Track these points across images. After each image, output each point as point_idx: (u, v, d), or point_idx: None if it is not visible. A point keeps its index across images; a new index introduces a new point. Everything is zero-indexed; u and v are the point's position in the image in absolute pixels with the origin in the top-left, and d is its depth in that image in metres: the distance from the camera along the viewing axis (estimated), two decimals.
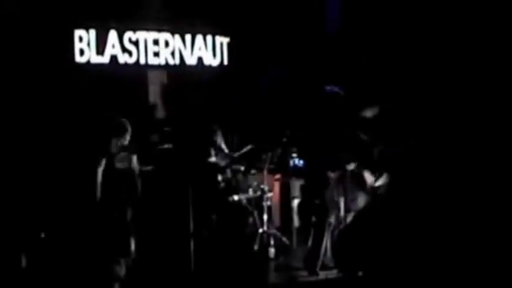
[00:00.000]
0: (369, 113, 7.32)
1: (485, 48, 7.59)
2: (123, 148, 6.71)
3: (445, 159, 7.11)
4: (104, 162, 6.42)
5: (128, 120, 6.45)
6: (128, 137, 6.49)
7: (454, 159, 7.09)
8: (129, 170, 7.15)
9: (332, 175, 7.12)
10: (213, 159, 8.12)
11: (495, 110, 7.34)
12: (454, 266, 5.74)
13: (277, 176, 8.92)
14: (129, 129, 6.45)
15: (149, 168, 7.68)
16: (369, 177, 7.15)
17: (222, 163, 8.14)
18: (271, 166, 8.45)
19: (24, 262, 5.99)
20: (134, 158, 7.26)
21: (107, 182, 6.29)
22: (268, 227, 8.10)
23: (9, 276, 5.90)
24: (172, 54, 9.09)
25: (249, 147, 8.29)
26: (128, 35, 8.79)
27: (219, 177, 8.07)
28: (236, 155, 8.29)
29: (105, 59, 8.65)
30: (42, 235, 6.25)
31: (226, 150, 8.32)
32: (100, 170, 6.25)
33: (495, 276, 5.68)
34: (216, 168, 8.07)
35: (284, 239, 8.24)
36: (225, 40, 9.38)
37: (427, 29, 8.13)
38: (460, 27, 7.81)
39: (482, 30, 7.61)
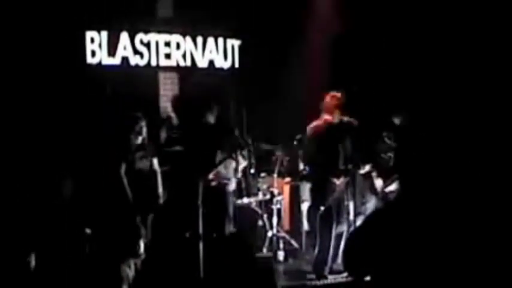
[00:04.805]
0: (396, 120, 7.32)
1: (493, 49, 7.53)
2: (141, 147, 6.71)
3: (462, 167, 7.03)
4: (124, 164, 6.42)
5: (141, 114, 6.45)
6: (143, 132, 6.47)
7: (471, 167, 7.01)
8: (150, 171, 7.15)
9: (337, 182, 7.07)
10: None
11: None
12: (465, 273, 5.68)
13: (287, 179, 8.91)
14: (144, 123, 6.45)
15: (165, 168, 7.69)
16: (379, 182, 7.13)
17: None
18: (281, 169, 8.45)
19: (33, 262, 6.00)
20: (155, 160, 7.27)
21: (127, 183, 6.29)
22: (277, 230, 8.09)
23: (19, 276, 5.91)
24: (184, 56, 9.11)
25: (268, 147, 8.30)
26: (140, 36, 8.80)
27: None
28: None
29: (116, 60, 8.67)
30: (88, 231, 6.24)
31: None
32: (122, 172, 6.24)
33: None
34: None
35: (293, 242, 8.23)
36: (236, 43, 9.39)
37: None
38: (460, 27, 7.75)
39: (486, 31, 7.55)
